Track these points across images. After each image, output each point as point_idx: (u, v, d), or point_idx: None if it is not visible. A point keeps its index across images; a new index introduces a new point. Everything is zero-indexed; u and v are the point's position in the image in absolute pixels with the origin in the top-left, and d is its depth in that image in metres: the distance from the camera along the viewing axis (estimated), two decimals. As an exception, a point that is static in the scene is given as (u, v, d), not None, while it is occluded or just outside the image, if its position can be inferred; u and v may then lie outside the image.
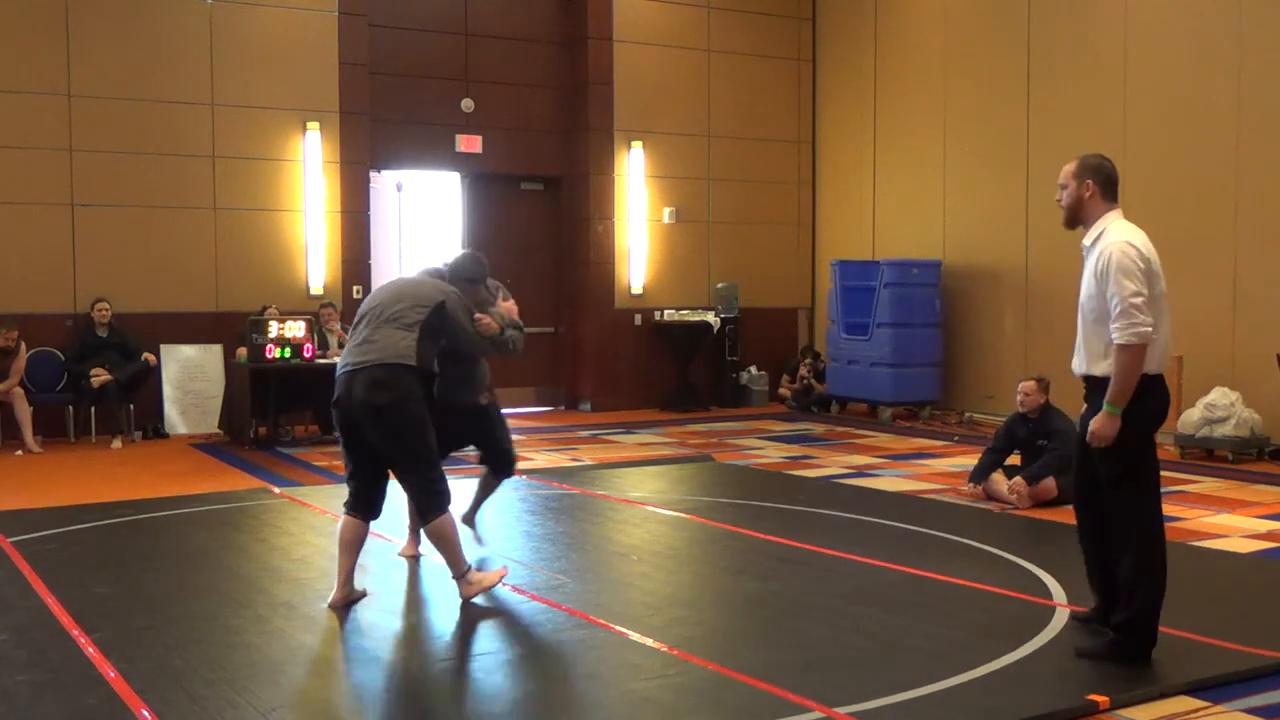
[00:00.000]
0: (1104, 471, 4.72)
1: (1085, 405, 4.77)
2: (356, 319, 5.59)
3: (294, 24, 12.42)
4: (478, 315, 5.77)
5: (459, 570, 5.45)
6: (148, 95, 11.80)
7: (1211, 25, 10.79)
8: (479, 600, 5.63)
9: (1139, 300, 4.49)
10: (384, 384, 5.22)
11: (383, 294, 5.59)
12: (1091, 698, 4.24)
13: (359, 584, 5.86)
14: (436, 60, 13.40)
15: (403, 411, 5.24)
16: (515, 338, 5.99)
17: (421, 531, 5.89)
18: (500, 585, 5.86)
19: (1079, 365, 4.78)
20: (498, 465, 6.55)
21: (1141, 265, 4.55)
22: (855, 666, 4.67)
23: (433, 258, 12.93)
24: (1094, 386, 4.69)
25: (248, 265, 12.22)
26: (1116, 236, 4.63)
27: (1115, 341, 4.52)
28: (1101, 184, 4.75)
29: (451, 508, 5.41)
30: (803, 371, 14.26)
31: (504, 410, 6.60)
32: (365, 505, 5.44)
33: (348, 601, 5.48)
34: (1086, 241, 4.78)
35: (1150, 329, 4.50)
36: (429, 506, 5.33)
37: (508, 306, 6.13)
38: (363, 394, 5.22)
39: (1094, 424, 4.60)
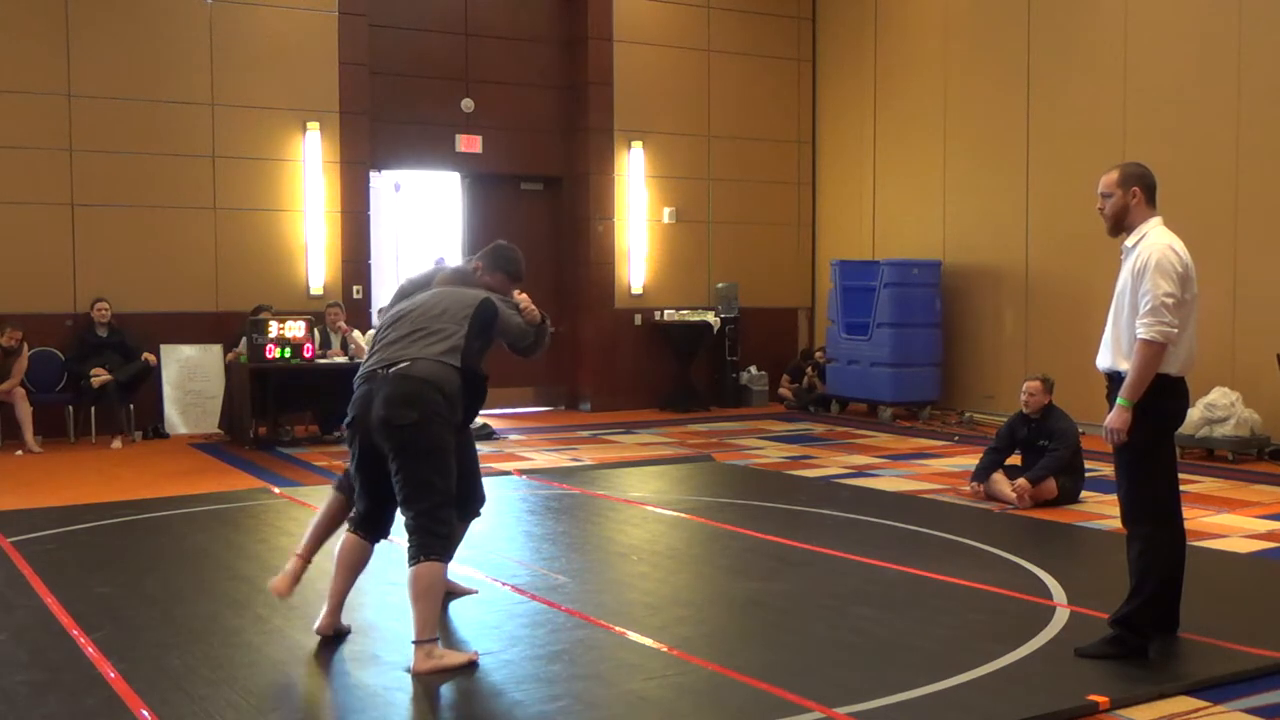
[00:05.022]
0: (1115, 465, 4.82)
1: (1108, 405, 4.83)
2: (389, 320, 5.05)
3: (294, 24, 12.42)
4: (519, 297, 5.24)
5: (425, 635, 4.59)
6: (148, 95, 11.80)
7: (1212, 25, 10.79)
8: (478, 600, 5.62)
9: (1170, 301, 4.60)
10: (410, 400, 4.64)
11: (422, 298, 5.05)
12: (1091, 698, 4.24)
13: (355, 580, 5.86)
14: (436, 60, 13.40)
15: (424, 434, 4.64)
16: (548, 329, 5.38)
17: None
18: (500, 585, 5.86)
19: (1106, 361, 4.84)
20: (468, 504, 5.37)
21: (1179, 269, 4.68)
22: (855, 666, 4.66)
23: (450, 256, 12.91)
24: (1118, 383, 4.76)
25: (248, 265, 12.22)
26: (1158, 239, 4.75)
27: (1139, 335, 4.61)
28: (1146, 191, 4.87)
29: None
30: (809, 371, 14.23)
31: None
32: (374, 524, 4.93)
33: (336, 631, 4.98)
34: (1128, 244, 4.87)
35: (1175, 330, 4.61)
36: (426, 547, 4.59)
37: (524, 298, 5.50)
38: (383, 412, 4.64)
39: (1108, 420, 4.70)
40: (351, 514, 4.99)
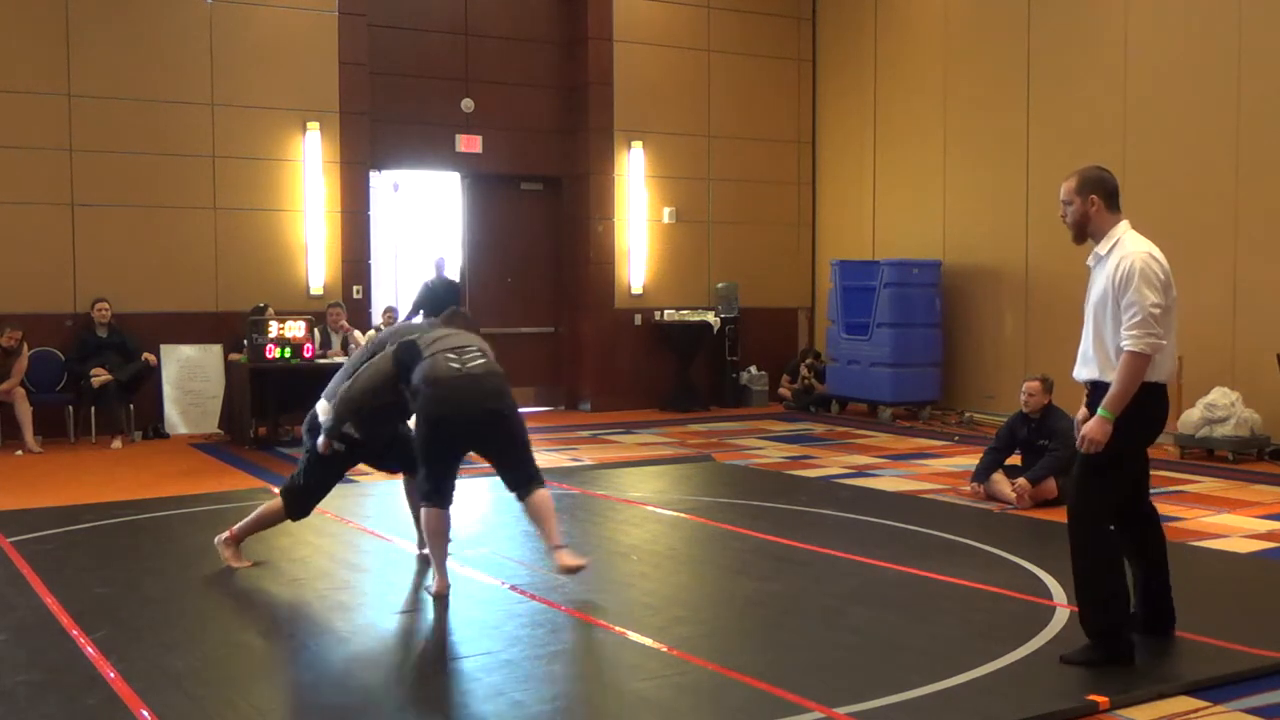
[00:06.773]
0: (1078, 467, 4.69)
1: (1085, 410, 4.75)
2: (435, 339, 5.85)
3: (294, 24, 12.42)
4: None
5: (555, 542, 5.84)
6: (148, 95, 11.80)
7: (1211, 25, 10.79)
8: (478, 600, 5.63)
9: (1158, 311, 4.53)
10: (505, 393, 5.79)
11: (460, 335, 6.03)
12: (1091, 698, 4.24)
13: (355, 580, 5.87)
14: (436, 60, 13.41)
15: (517, 415, 5.86)
16: None
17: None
18: (500, 585, 5.88)
19: (1086, 372, 4.75)
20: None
21: (1161, 277, 4.60)
22: (855, 666, 4.66)
23: (450, 256, 13.10)
24: (1101, 393, 4.66)
25: (248, 265, 12.22)
26: (1135, 247, 4.66)
27: (1126, 347, 4.52)
28: (1105, 197, 4.77)
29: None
30: (803, 372, 14.26)
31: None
32: (451, 497, 5.76)
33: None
34: (1101, 251, 4.77)
35: (1163, 341, 4.55)
36: (539, 482, 5.87)
37: None
38: (494, 405, 5.70)
39: (1088, 428, 4.59)
40: (432, 496, 5.70)
